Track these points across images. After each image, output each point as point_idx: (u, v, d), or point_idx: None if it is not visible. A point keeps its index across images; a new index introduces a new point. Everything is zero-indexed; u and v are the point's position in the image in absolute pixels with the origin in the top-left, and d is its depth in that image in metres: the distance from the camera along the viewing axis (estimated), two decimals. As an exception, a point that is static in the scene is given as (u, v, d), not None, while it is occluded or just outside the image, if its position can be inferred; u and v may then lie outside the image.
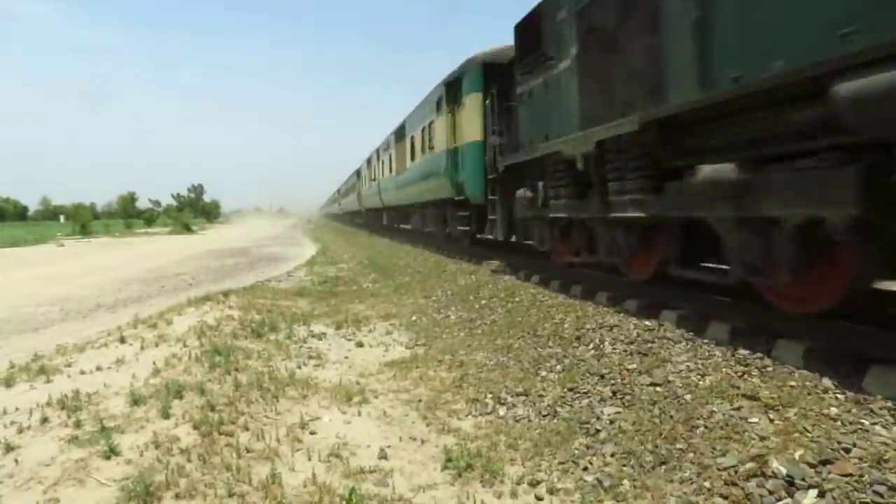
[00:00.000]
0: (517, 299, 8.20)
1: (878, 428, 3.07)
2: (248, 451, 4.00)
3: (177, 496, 3.37)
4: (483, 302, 8.75)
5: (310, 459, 3.98)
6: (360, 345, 7.56)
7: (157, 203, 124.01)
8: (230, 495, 3.39)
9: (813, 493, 2.73)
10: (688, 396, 4.02)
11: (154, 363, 5.98)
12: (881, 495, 2.58)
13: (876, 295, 5.10)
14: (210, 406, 4.70)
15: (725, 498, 2.97)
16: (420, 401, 5.25)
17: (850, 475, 2.75)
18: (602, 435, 4.01)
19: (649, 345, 5.11)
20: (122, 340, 7.16)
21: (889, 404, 3.25)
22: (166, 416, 4.53)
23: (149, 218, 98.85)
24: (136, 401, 4.81)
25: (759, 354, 4.35)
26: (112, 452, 3.83)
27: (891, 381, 3.41)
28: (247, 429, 4.39)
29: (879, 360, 3.66)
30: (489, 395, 5.20)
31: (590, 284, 7.66)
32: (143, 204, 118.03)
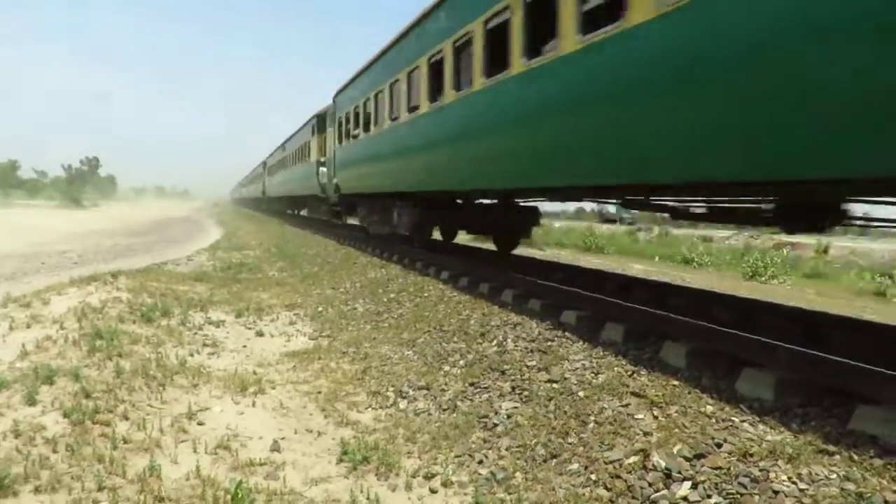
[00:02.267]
0: (426, 294, 8.20)
1: (746, 425, 3.32)
2: (125, 441, 3.71)
3: (36, 489, 3.06)
4: (392, 295, 8.69)
5: (195, 451, 3.76)
6: (260, 334, 7.27)
7: (44, 174, 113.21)
8: (100, 489, 3.12)
9: (687, 484, 2.91)
10: (581, 393, 4.17)
11: (23, 345, 5.42)
12: (745, 486, 2.79)
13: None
14: (85, 393, 4.31)
15: (609, 489, 3.11)
16: (320, 392, 5.11)
17: (721, 468, 2.95)
18: (499, 429, 4.08)
19: (549, 343, 5.26)
20: (-12, 320, 6.44)
21: (756, 405, 3.53)
22: (32, 402, 4.10)
23: (32, 189, 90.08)
24: (-3, 385, 4.32)
25: (647, 354, 4.59)
26: (-38, 442, 3.42)
27: (760, 382, 3.70)
28: (126, 418, 4.08)
29: (751, 363, 3.97)
30: (391, 389, 5.15)
31: (497, 283, 7.80)
32: (27, 174, 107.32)
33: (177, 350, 5.97)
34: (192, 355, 5.90)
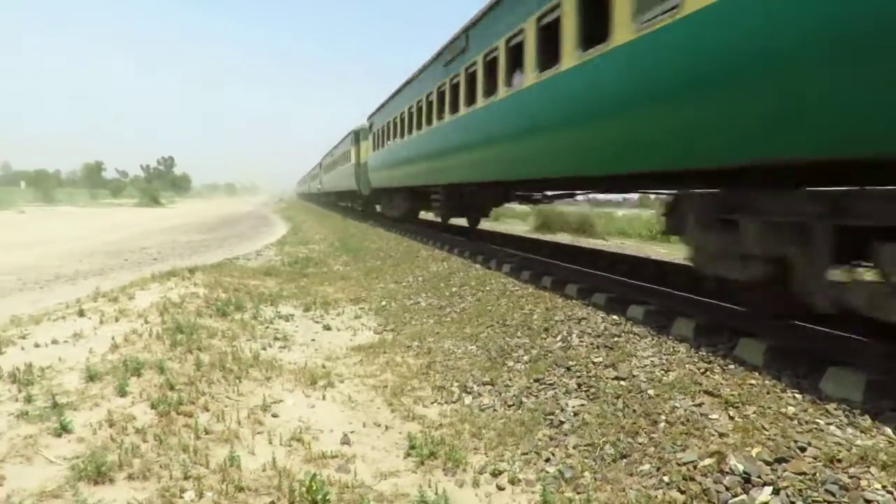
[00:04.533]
0: (488, 288, 8.20)
1: (832, 428, 3.14)
2: (206, 432, 3.92)
3: (130, 477, 3.28)
4: (454, 289, 8.73)
5: (270, 443, 3.92)
6: (327, 328, 7.48)
7: (125, 174, 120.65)
8: (186, 477, 3.31)
9: (768, 490, 2.79)
10: (651, 391, 4.06)
11: (113, 338, 5.81)
12: (833, 494, 2.64)
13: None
14: (169, 385, 4.58)
15: (683, 492, 3.02)
16: (386, 386, 5.21)
17: (805, 474, 2.81)
18: (566, 426, 4.03)
19: (616, 339, 5.15)
20: (81, 314, 6.93)
21: (844, 406, 3.33)
22: (123, 393, 4.40)
23: (115, 188, 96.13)
24: (91, 377, 4.65)
25: (721, 352, 4.42)
26: (63, 429, 3.71)
27: (846, 382, 3.49)
28: (207, 410, 4.30)
29: (836, 361, 3.74)
30: (455, 384, 5.19)
31: (560, 276, 7.70)
32: (110, 175, 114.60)
33: (250, 343, 6.24)
34: (264, 349, 6.15)
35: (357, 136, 25.78)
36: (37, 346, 5.63)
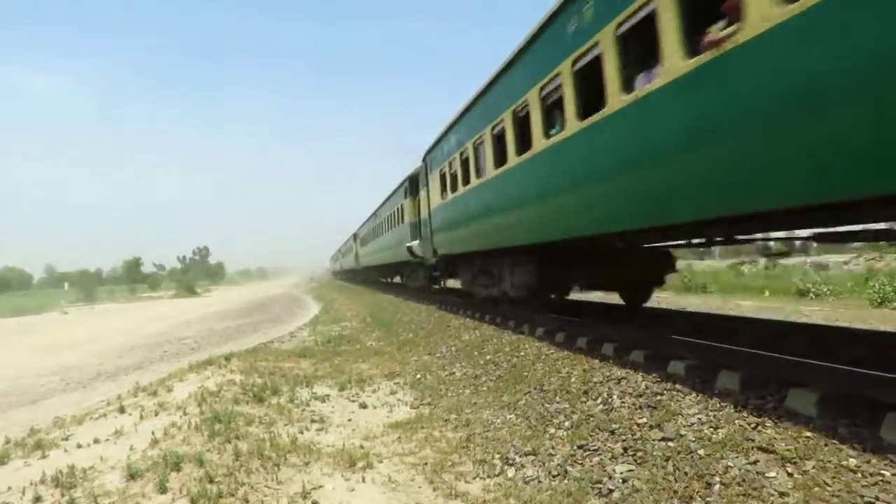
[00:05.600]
0: (522, 353, 8.08)
1: (901, 479, 2.95)
2: (247, 525, 3.85)
3: (172, 578, 3.21)
4: (488, 357, 8.62)
5: (312, 532, 3.82)
6: (363, 406, 7.41)
7: (162, 267, 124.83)
8: (228, 575, 3.23)
9: (839, 553, 2.59)
10: (701, 451, 3.89)
11: (153, 433, 5.85)
12: (911, 554, 2.44)
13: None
14: (209, 478, 4.55)
15: (748, 561, 2.82)
16: (426, 464, 5.09)
17: (877, 532, 2.61)
18: (615, 495, 3.85)
19: (658, 397, 4.98)
20: (122, 410, 7.03)
21: (910, 453, 3.13)
22: (163, 490, 4.38)
23: (153, 282, 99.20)
24: (132, 475, 4.66)
25: (771, 404, 4.23)
26: (106, 532, 3.69)
27: (909, 428, 3.29)
28: (247, 501, 4.24)
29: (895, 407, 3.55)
30: (497, 455, 5.04)
31: (594, 335, 7.56)
32: (148, 268, 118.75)
33: (287, 428, 6.20)
34: (301, 432, 6.10)
35: (413, 183, 18.72)
36: (79, 446, 5.70)
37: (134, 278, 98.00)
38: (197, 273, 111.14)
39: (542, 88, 7.82)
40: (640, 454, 4.21)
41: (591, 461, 4.41)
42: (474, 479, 4.73)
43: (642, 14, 5.49)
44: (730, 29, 4.40)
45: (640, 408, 4.92)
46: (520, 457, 4.90)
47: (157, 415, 6.78)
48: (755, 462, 3.54)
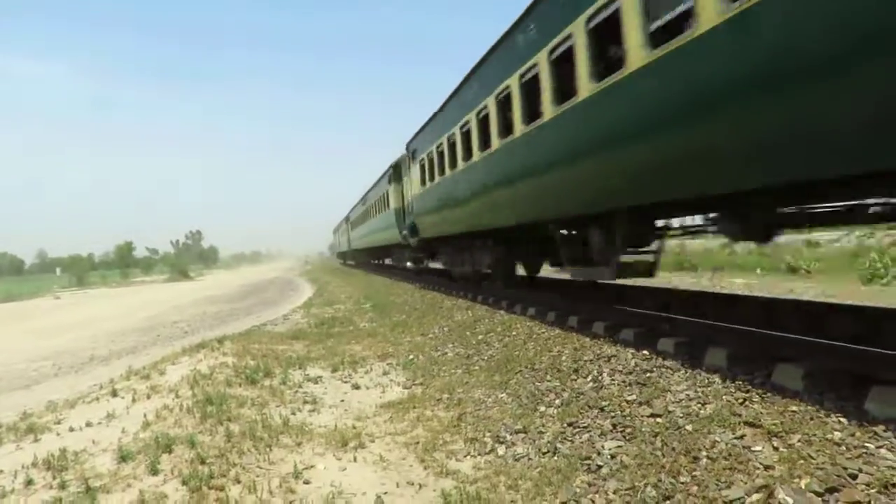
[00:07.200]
0: (514, 333, 8.11)
1: (883, 451, 2.98)
2: (238, 505, 3.87)
3: (163, 558, 3.23)
4: (480, 337, 8.65)
5: (303, 511, 3.85)
6: (356, 387, 7.43)
7: (155, 251, 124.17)
8: (219, 554, 3.25)
9: (822, 524, 2.63)
10: (689, 426, 3.92)
11: (145, 416, 5.85)
12: (892, 524, 2.48)
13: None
14: (200, 459, 4.56)
15: (732, 533, 2.86)
16: (418, 443, 5.12)
17: (859, 502, 2.65)
18: (604, 471, 3.89)
19: (648, 374, 5.02)
20: (114, 393, 7.02)
21: (893, 427, 3.17)
22: (154, 472, 4.39)
23: (146, 266, 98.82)
24: (123, 457, 4.67)
25: (758, 379, 4.26)
26: (97, 514, 3.70)
27: (893, 401, 3.33)
28: (238, 481, 4.26)
29: (880, 380, 3.58)
30: (488, 434, 5.07)
31: (586, 315, 7.59)
32: (140, 253, 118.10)
33: (280, 409, 6.21)
34: (293, 413, 6.12)
35: (397, 171, 20.02)
36: (71, 430, 5.70)
37: (126, 263, 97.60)
38: (190, 257, 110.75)
39: (497, 96, 9.46)
40: (628, 430, 4.25)
41: (580, 438, 4.45)
42: (465, 457, 4.77)
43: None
44: None
45: (630, 385, 4.96)
46: (510, 435, 4.93)
47: (149, 398, 6.78)
48: (742, 436, 3.58)
